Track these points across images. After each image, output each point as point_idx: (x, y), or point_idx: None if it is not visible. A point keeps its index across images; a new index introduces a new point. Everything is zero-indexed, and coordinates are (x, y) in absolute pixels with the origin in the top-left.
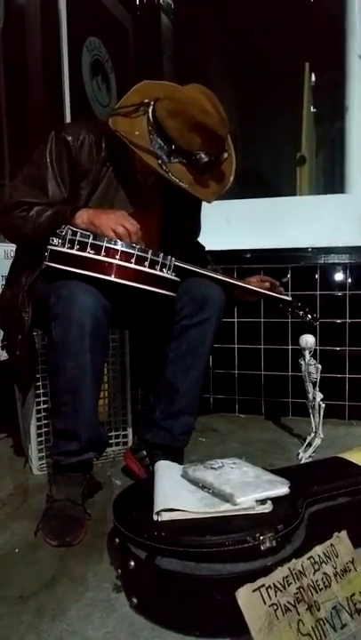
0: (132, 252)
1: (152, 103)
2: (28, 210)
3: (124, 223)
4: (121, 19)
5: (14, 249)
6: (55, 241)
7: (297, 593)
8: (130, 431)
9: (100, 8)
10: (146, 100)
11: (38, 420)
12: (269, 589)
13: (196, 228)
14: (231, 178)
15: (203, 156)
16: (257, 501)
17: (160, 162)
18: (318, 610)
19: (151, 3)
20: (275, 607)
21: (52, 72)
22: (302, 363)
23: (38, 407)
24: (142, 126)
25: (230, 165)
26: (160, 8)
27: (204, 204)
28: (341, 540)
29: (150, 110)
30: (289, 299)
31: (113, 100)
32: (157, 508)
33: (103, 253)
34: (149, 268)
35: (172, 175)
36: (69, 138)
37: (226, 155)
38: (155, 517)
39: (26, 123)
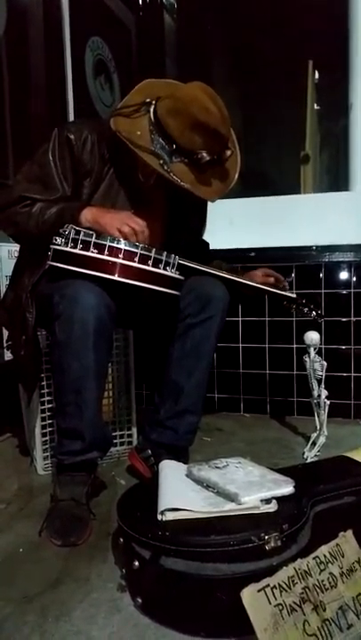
0: (136, 250)
1: (154, 102)
2: (31, 206)
3: (129, 222)
4: (124, 18)
5: (18, 249)
6: (58, 240)
7: (302, 593)
8: (134, 431)
9: (103, 8)
10: (148, 100)
11: (43, 419)
12: (275, 589)
13: (200, 226)
14: (235, 176)
15: (205, 155)
16: (262, 501)
17: (162, 162)
18: (324, 610)
19: (154, 2)
20: (280, 607)
21: (55, 72)
22: (307, 360)
23: (43, 407)
24: (143, 126)
25: (235, 163)
26: (163, 7)
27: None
28: (347, 539)
29: (152, 109)
30: (294, 296)
31: (116, 100)
32: (162, 507)
33: (107, 252)
34: (153, 266)
35: (174, 175)
36: (72, 136)
37: (229, 152)
38: (159, 517)
39: (29, 123)
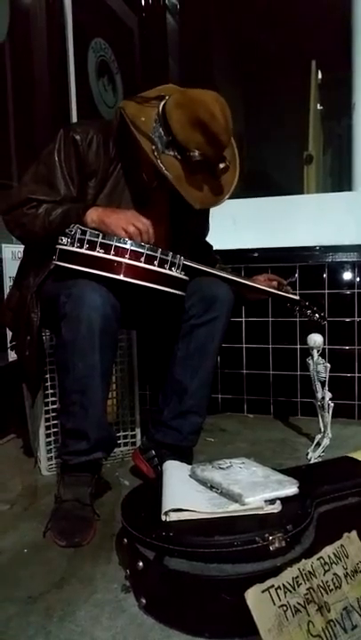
0: (142, 250)
1: (166, 97)
2: (37, 207)
3: (135, 222)
4: (126, 19)
5: (22, 250)
6: (64, 240)
7: (307, 594)
8: (138, 431)
9: (106, 9)
10: (162, 94)
11: (47, 420)
12: (279, 590)
13: (204, 228)
14: (227, 194)
15: (196, 154)
16: (266, 501)
17: (154, 148)
18: (329, 611)
19: (157, 3)
20: (284, 608)
21: (58, 73)
22: (310, 362)
23: (47, 408)
24: (150, 115)
25: (231, 181)
26: (165, 8)
27: None
28: (352, 540)
29: (162, 103)
30: (297, 298)
31: (119, 101)
32: (165, 508)
33: (113, 252)
34: (158, 266)
35: (161, 163)
36: (78, 137)
37: (223, 165)
38: (163, 517)
39: (32, 124)
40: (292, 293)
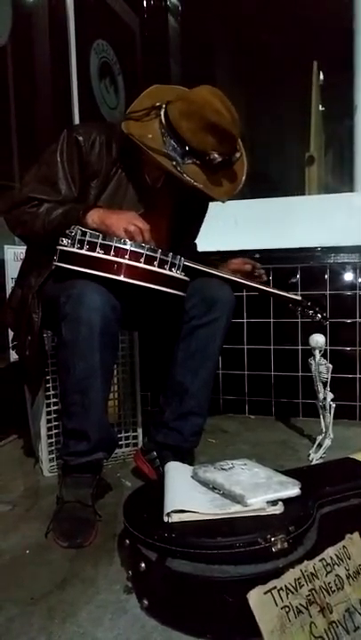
0: (142, 251)
1: (163, 106)
2: (38, 206)
3: (135, 222)
4: (128, 21)
5: (24, 251)
6: (64, 241)
7: (309, 595)
8: (140, 432)
9: (108, 11)
10: (157, 104)
11: (48, 421)
12: (281, 591)
13: (198, 228)
14: (243, 178)
15: (216, 156)
16: (268, 503)
17: (174, 163)
18: (331, 612)
19: (158, 5)
20: (287, 609)
21: (61, 75)
22: (312, 362)
23: (48, 408)
24: (155, 129)
25: (242, 165)
26: (167, 10)
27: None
28: (354, 541)
29: (162, 113)
30: (299, 298)
31: (121, 102)
32: (168, 509)
33: (112, 253)
34: (159, 267)
35: (187, 176)
36: (80, 138)
37: (238, 154)
38: (165, 519)
39: (34, 125)
40: (293, 294)
